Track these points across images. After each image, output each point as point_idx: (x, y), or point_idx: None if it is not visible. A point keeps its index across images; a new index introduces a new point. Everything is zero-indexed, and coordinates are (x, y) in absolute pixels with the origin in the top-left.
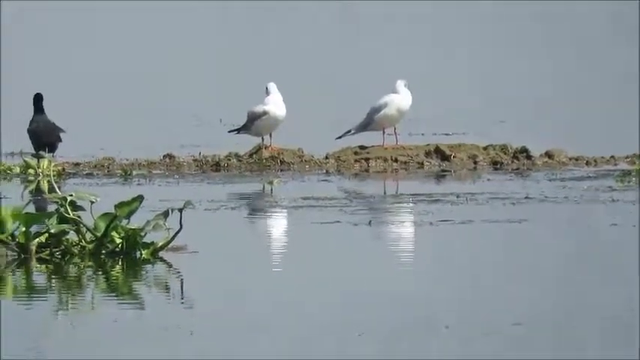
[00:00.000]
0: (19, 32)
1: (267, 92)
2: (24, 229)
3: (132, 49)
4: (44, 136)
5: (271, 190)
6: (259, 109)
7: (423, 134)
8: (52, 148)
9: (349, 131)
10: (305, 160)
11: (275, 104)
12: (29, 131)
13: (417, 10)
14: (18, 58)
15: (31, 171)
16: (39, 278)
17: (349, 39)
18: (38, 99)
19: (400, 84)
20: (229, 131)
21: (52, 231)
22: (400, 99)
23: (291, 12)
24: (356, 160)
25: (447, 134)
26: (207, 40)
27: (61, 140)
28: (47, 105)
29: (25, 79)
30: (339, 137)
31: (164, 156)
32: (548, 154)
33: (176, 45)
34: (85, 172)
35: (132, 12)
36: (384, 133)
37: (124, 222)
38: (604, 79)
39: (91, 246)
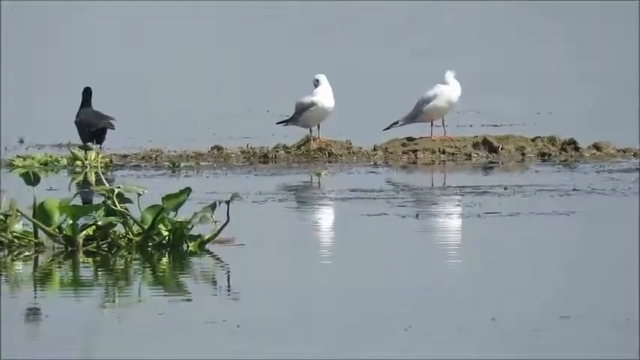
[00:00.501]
0: (64, 30)
1: (317, 84)
2: (71, 221)
3: (180, 43)
4: (93, 123)
5: (319, 182)
6: (307, 100)
7: (470, 126)
8: (100, 140)
9: (396, 122)
10: (353, 152)
11: (323, 95)
12: (77, 123)
13: (457, 4)
14: (63, 54)
15: (78, 163)
16: (86, 271)
17: (396, 31)
18: (87, 93)
19: (449, 75)
20: (277, 122)
21: (99, 223)
22: (450, 90)
23: (341, 5)
24: (404, 152)
25: (494, 126)
26: (257, 31)
27: (113, 127)
28: (94, 99)
29: (71, 75)
30: (386, 129)
31: (212, 147)
32: (596, 146)
33: (224, 37)
34: (132, 164)
35: (176, 9)
36: (432, 124)
37: (172, 214)
38: None
39: (138, 238)
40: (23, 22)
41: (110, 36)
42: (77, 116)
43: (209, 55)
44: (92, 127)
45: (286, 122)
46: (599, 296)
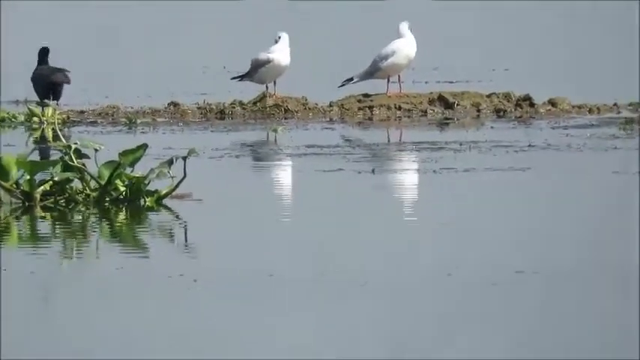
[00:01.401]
0: None
1: (277, 41)
2: (28, 177)
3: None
4: (50, 76)
5: (275, 138)
6: (263, 56)
7: (426, 82)
8: (57, 95)
9: (351, 79)
10: (309, 108)
11: (280, 52)
12: (32, 79)
13: None
14: (22, 11)
15: (35, 119)
16: (43, 226)
17: None
18: (44, 52)
19: (404, 26)
20: (232, 78)
21: (57, 179)
22: (407, 45)
23: None
24: (359, 108)
25: (450, 82)
26: None
27: (68, 80)
28: (51, 56)
29: (27, 31)
30: (341, 85)
31: (168, 104)
32: (552, 102)
33: None
34: (89, 120)
35: None
36: (388, 81)
37: (128, 170)
38: (608, 28)
39: (95, 194)
40: None
41: None
42: (33, 73)
43: (165, 11)
44: (47, 81)
45: (241, 78)
46: (553, 251)
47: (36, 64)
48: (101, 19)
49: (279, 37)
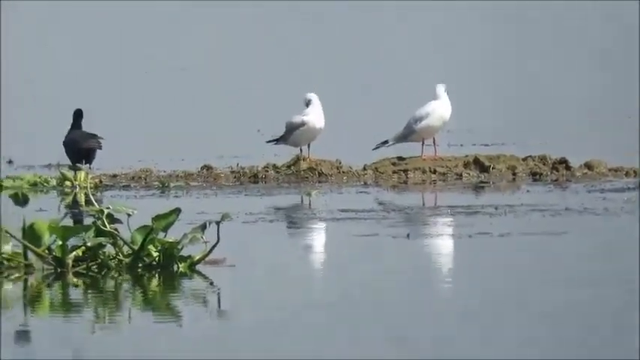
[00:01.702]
0: (55, 46)
1: (308, 103)
2: (60, 242)
3: (170, 64)
4: (82, 142)
5: (309, 201)
6: (298, 119)
7: (461, 145)
8: (89, 159)
9: (386, 142)
10: (343, 172)
11: (314, 115)
12: (64, 143)
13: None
14: (55, 72)
15: (67, 183)
16: (75, 293)
17: (382, 44)
18: (77, 115)
19: (440, 88)
20: (267, 141)
21: (89, 244)
22: (442, 107)
23: (326, 18)
24: (394, 172)
25: (485, 145)
26: (243, 49)
27: (100, 146)
28: (85, 119)
29: (62, 94)
30: (376, 148)
31: (202, 167)
32: (588, 165)
33: (212, 55)
34: (122, 184)
35: (169, 23)
36: (423, 143)
37: (161, 235)
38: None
39: (127, 259)
40: (15, 37)
41: (100, 55)
42: (65, 137)
43: (199, 75)
44: (78, 147)
45: (276, 141)
46: (591, 319)
47: (69, 126)
48: (136, 82)
49: (309, 100)
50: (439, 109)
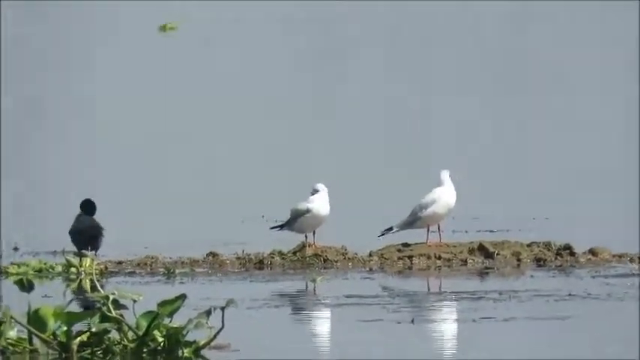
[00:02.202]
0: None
1: (313, 192)
2: (65, 328)
3: (171, 152)
4: (88, 230)
5: (314, 288)
6: (303, 206)
7: (466, 231)
8: (95, 247)
9: (391, 229)
10: (348, 258)
11: (319, 202)
12: (71, 231)
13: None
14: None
15: (73, 269)
16: None
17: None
18: (88, 205)
19: (445, 174)
20: (271, 227)
21: (94, 330)
22: (448, 194)
23: (337, 105)
24: (399, 258)
25: (490, 231)
26: (248, 134)
27: (103, 235)
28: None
29: (67, 181)
30: (381, 235)
31: (207, 254)
32: (592, 252)
33: (218, 144)
34: (127, 271)
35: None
36: (428, 230)
37: (167, 320)
38: None
39: (132, 345)
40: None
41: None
42: (72, 225)
43: (203, 161)
44: (84, 234)
45: (280, 227)
46: None
47: (76, 214)
48: (140, 172)
49: (317, 190)
50: (444, 196)
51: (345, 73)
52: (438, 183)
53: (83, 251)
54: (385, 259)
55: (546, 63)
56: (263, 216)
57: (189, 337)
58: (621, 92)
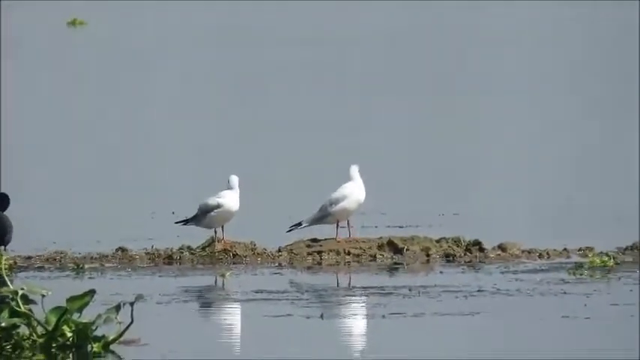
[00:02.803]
0: None
1: (230, 185)
2: None
3: (87, 147)
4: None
5: (223, 283)
6: (213, 201)
7: (376, 227)
8: (4, 242)
9: (299, 224)
10: (257, 253)
11: (229, 197)
12: None
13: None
14: None
15: None
16: None
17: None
18: (2, 202)
19: (355, 170)
20: (176, 222)
21: (3, 325)
22: (358, 189)
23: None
24: (308, 253)
25: (400, 227)
26: (155, 129)
27: (11, 231)
28: None
29: None
30: (290, 230)
31: (116, 249)
32: (501, 247)
33: (129, 136)
34: (36, 266)
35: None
36: (337, 225)
37: (76, 315)
38: (555, 172)
39: (42, 340)
40: None
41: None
42: None
43: (112, 156)
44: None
45: (186, 222)
46: None
47: None
48: (49, 167)
49: (231, 182)
50: (354, 191)
51: (261, 72)
52: (348, 178)
53: None
54: (294, 254)
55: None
56: (173, 212)
57: (99, 332)
58: (539, 90)
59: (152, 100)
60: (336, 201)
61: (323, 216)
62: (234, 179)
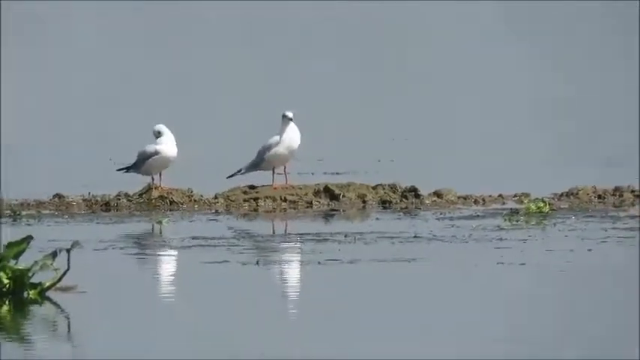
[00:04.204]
0: None
1: (158, 135)
2: None
3: (21, 87)
4: None
5: (160, 229)
6: (151, 148)
7: (312, 174)
8: None
9: (240, 170)
10: (194, 200)
11: (167, 144)
12: None
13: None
14: None
15: None
16: None
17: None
18: None
19: (289, 115)
20: (118, 169)
21: None
22: (290, 135)
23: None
24: (245, 200)
25: (336, 173)
26: (96, 78)
27: None
28: None
29: None
30: (230, 176)
31: (53, 196)
32: (437, 193)
33: (65, 82)
34: None
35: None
36: (273, 172)
37: (12, 262)
38: (496, 114)
39: None
40: None
41: None
42: None
43: (51, 102)
44: None
45: (127, 169)
46: (434, 344)
47: None
48: None
49: (159, 131)
50: (287, 137)
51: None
52: (282, 124)
53: None
54: (231, 201)
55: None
56: (110, 159)
57: (35, 279)
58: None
59: (89, 47)
60: (269, 147)
61: (258, 162)
62: (161, 127)
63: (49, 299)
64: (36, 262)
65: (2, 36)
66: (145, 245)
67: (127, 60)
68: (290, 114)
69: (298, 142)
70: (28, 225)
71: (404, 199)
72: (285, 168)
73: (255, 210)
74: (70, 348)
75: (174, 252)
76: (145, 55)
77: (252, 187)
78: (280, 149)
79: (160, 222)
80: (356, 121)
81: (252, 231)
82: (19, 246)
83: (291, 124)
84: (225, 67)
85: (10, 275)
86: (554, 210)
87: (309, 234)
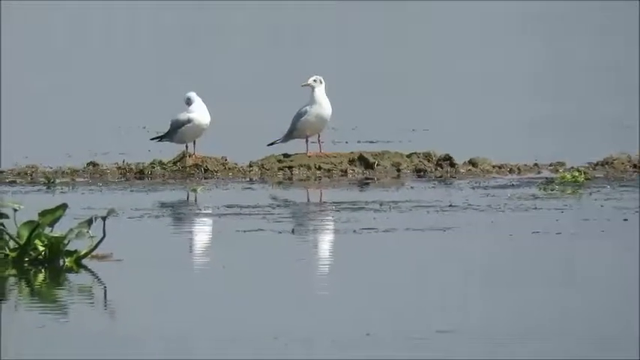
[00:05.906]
0: None
1: (189, 102)
2: None
3: (55, 59)
4: None
5: (195, 198)
6: (184, 116)
7: (347, 142)
8: None
9: (278, 140)
10: (229, 168)
11: (199, 112)
12: None
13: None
14: None
15: None
16: None
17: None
18: None
19: (317, 83)
20: (152, 139)
21: None
22: (320, 102)
23: (220, 19)
24: (279, 168)
25: (371, 142)
26: (128, 47)
27: None
28: None
29: None
30: (270, 144)
31: (88, 164)
32: (472, 162)
33: (98, 52)
34: (7, 180)
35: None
36: (307, 141)
37: (48, 230)
38: (527, 87)
39: (14, 254)
40: None
41: None
42: None
43: (84, 71)
44: None
45: (160, 138)
46: (472, 310)
47: None
48: (22, 76)
49: (189, 98)
50: (315, 106)
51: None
52: (313, 92)
53: None
54: (265, 169)
55: None
56: (144, 127)
57: (71, 247)
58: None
59: (122, 18)
60: (300, 114)
61: (292, 130)
62: (191, 94)
63: (84, 267)
64: (71, 230)
65: None
66: (179, 213)
67: (160, 26)
68: (319, 78)
69: (329, 109)
70: (63, 193)
71: (439, 168)
72: (319, 137)
73: (290, 179)
74: (106, 316)
75: (208, 220)
76: (178, 18)
77: (286, 155)
78: (310, 117)
79: (194, 190)
80: (391, 89)
81: (286, 199)
82: (54, 213)
83: (321, 91)
84: (256, 31)
85: (45, 243)
86: (589, 179)
87: (344, 202)
